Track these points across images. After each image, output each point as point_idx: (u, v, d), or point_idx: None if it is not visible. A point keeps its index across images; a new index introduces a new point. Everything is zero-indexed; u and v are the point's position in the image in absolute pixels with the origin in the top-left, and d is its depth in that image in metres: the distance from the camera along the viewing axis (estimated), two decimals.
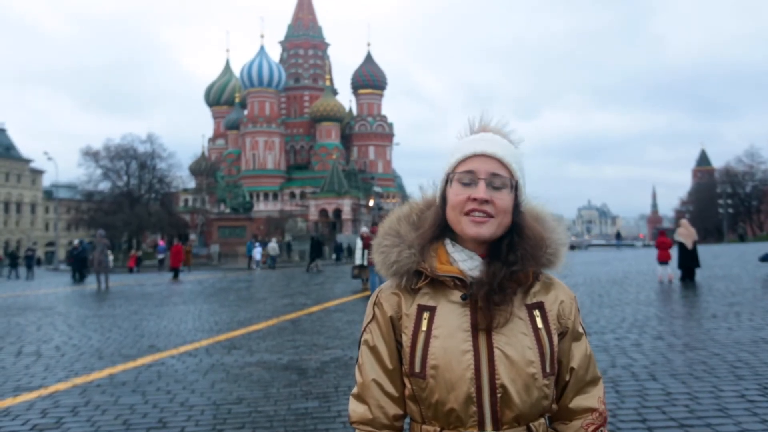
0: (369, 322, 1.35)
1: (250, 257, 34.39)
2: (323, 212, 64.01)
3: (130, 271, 36.10)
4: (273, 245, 34.33)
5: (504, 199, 1.26)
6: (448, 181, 1.32)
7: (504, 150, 1.31)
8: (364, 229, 16.58)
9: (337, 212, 63.35)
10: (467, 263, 1.29)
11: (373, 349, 1.33)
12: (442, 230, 1.33)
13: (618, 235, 59.38)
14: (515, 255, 1.27)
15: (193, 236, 64.59)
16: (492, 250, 1.29)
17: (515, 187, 1.29)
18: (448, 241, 1.32)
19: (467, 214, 1.26)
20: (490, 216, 1.25)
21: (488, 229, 1.25)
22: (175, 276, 25.11)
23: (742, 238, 47.88)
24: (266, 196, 72.89)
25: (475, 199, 1.25)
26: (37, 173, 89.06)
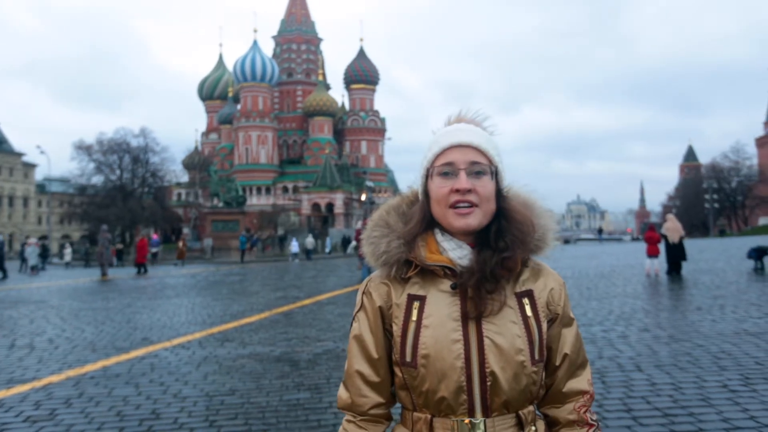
0: (358, 311, 1.37)
1: (243, 251, 34.52)
2: (316, 206, 63.99)
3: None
4: (310, 239, 36.80)
5: (486, 186, 1.27)
6: (428, 175, 1.33)
7: (480, 138, 1.31)
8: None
9: (330, 206, 63.36)
10: (456, 252, 1.30)
11: (359, 338, 1.35)
12: (429, 223, 1.34)
13: (600, 230, 68.02)
14: (504, 241, 1.28)
15: (186, 230, 64.43)
16: (481, 238, 1.30)
17: (495, 173, 1.31)
18: (437, 231, 1.33)
19: (452, 206, 1.27)
20: (474, 205, 1.26)
21: (475, 219, 1.26)
22: (140, 271, 23.64)
23: (722, 233, 47.84)
24: (259, 190, 72.79)
25: (458, 190, 1.26)
26: (30, 167, 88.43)
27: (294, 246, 35.04)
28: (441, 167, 1.30)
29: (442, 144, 1.32)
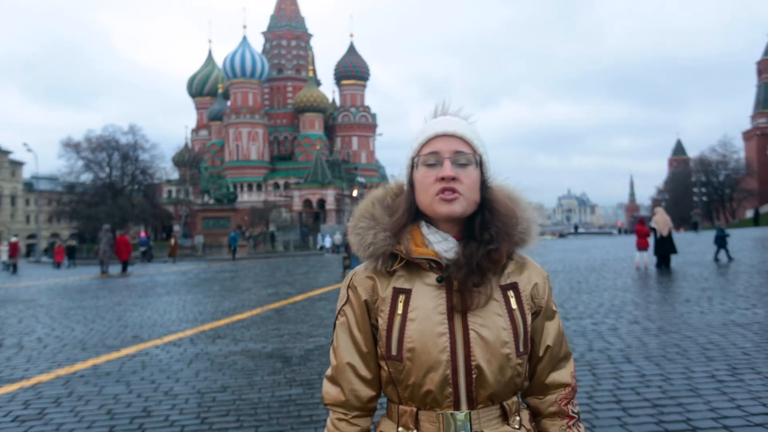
0: (343, 305, 1.37)
1: (234, 248, 34.52)
2: (307, 202, 63.80)
3: (57, 266, 31.45)
4: (338, 236, 39.51)
5: (470, 175, 1.28)
6: (413, 165, 1.33)
7: (464, 128, 1.32)
8: None
9: (321, 202, 63.18)
10: (442, 245, 1.30)
11: (348, 332, 1.34)
12: (415, 215, 1.34)
13: (576, 227, 74.53)
14: (489, 234, 1.28)
15: (177, 227, 64.14)
16: (466, 230, 1.31)
17: (480, 164, 1.31)
18: (423, 224, 1.33)
19: (437, 194, 1.27)
20: (458, 193, 1.26)
21: (459, 206, 1.26)
22: (124, 270, 23.03)
23: (695, 227, 46.50)
24: (250, 186, 72.48)
25: (442, 178, 1.26)
26: (17, 165, 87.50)
27: (327, 241, 39.71)
28: (426, 156, 1.30)
29: (427, 134, 1.32)
